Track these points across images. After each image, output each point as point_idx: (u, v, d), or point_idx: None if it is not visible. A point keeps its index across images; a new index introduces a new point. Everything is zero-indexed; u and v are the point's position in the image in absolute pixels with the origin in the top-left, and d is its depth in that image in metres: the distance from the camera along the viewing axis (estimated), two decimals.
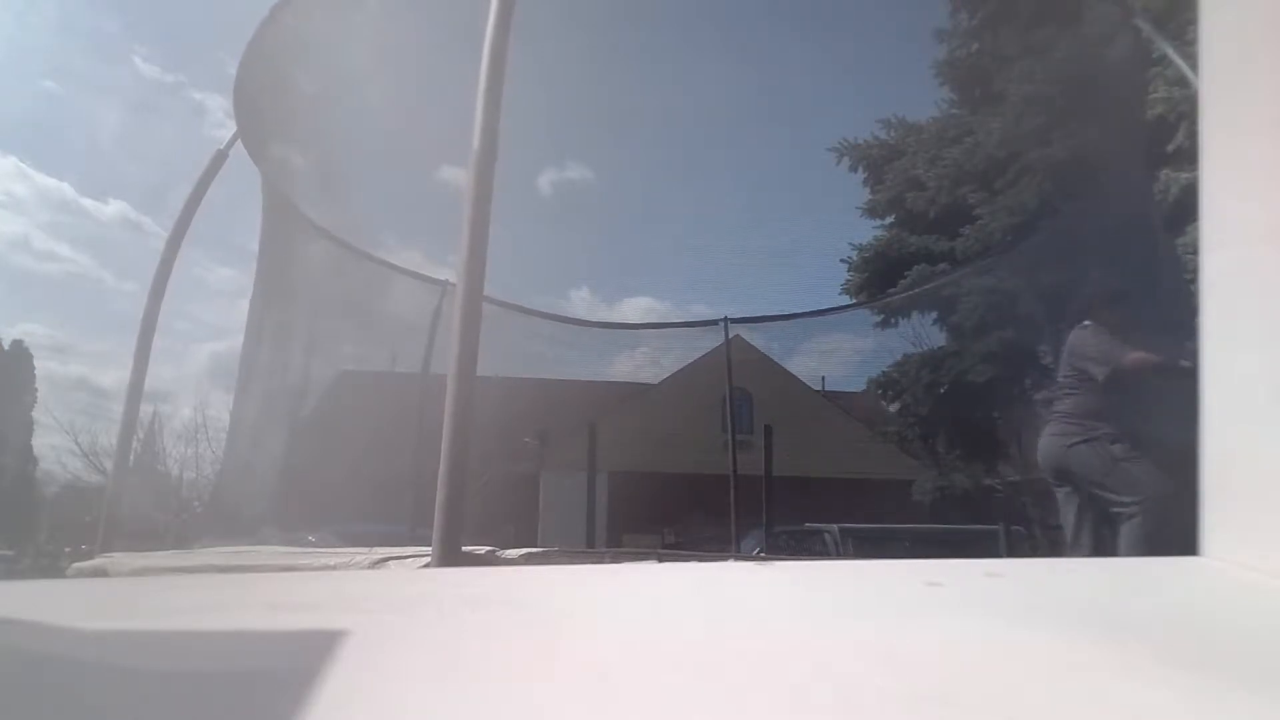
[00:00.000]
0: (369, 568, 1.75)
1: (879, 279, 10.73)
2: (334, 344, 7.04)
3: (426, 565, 1.65)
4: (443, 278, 6.55)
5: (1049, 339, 8.10)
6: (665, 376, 9.85)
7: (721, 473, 8.12)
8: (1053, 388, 3.76)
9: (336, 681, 0.36)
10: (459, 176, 3.11)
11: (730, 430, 8.31)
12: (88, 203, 38.58)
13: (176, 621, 0.50)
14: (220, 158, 4.47)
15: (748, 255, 8.11)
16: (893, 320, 10.16)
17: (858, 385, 11.35)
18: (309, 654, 0.40)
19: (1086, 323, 3.43)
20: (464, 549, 1.69)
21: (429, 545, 1.69)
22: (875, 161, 11.30)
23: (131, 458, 5.83)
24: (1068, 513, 3.32)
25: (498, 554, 1.77)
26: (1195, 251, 0.52)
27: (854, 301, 10.46)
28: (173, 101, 35.59)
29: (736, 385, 8.44)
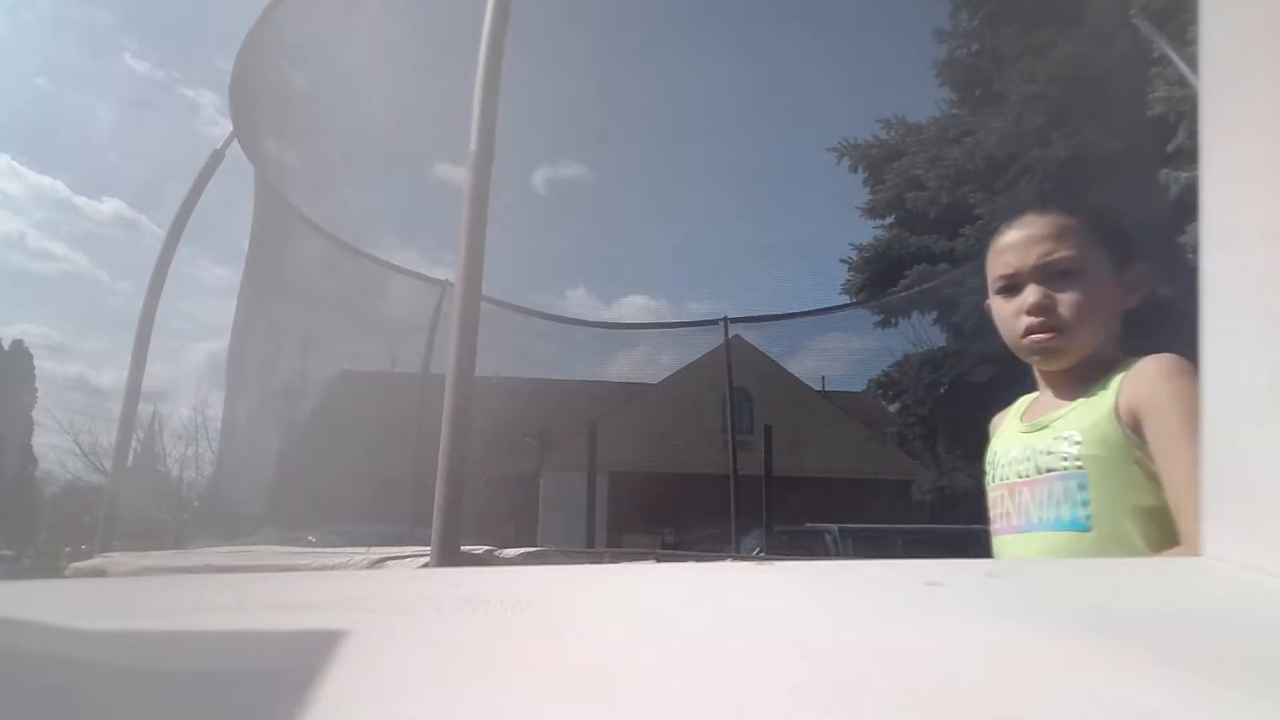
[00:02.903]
0: (368, 568, 1.74)
1: (879, 279, 10.74)
2: (332, 343, 7.04)
3: (426, 565, 1.65)
4: (441, 277, 6.55)
5: None
6: (665, 376, 9.84)
7: (721, 473, 8.12)
8: None
9: (336, 681, 0.36)
10: (456, 175, 3.11)
11: (730, 430, 8.31)
12: (82, 201, 38.44)
13: (176, 621, 0.50)
14: (217, 156, 4.45)
15: (747, 254, 8.12)
16: (893, 320, 10.16)
17: (858, 385, 11.36)
18: (309, 654, 0.40)
19: None
20: (463, 549, 1.69)
21: (429, 545, 1.69)
22: (875, 161, 11.30)
23: (130, 457, 5.83)
24: None
25: (497, 554, 1.77)
26: (1195, 251, 0.52)
27: (854, 301, 10.46)
28: (166, 98, 35.53)
29: (736, 385, 8.44)
